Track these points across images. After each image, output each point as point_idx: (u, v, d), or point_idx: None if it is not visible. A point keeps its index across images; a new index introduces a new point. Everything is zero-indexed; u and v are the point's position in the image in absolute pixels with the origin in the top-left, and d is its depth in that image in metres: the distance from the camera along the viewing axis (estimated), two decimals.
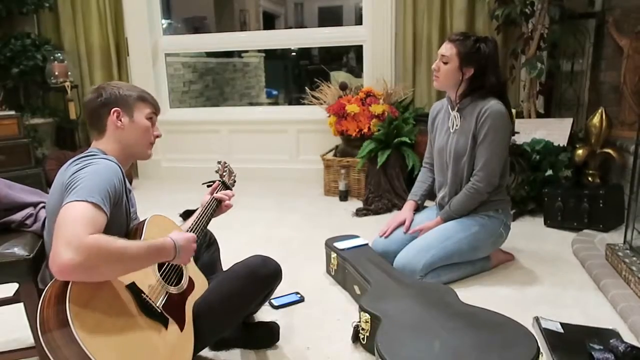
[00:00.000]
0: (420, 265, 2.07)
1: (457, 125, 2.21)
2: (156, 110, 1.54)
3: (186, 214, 2.92)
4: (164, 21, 4.56)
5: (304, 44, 5.06)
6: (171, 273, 1.43)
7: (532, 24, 3.19)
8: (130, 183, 1.45)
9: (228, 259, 1.80)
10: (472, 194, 2.17)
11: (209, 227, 1.71)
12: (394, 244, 2.24)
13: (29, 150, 3.46)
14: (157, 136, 1.54)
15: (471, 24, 3.57)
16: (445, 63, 2.13)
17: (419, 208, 2.41)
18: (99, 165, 1.31)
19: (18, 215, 1.53)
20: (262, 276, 1.57)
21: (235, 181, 1.94)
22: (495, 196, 2.22)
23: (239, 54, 8.17)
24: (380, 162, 3.31)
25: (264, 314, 1.91)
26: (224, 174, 1.89)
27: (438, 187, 2.36)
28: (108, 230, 1.20)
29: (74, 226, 1.11)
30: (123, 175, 1.38)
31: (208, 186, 1.83)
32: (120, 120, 1.44)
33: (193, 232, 1.55)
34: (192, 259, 1.52)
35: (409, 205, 2.40)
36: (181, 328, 1.35)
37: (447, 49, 2.13)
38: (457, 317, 1.62)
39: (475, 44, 2.11)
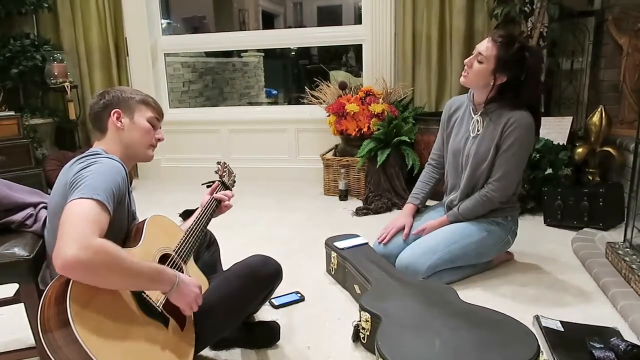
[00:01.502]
0: (425, 267, 2.05)
1: (478, 131, 2.09)
2: (159, 115, 1.56)
3: (186, 214, 2.92)
4: (163, 21, 4.56)
5: (304, 44, 5.06)
6: None
7: (532, 23, 3.19)
8: (130, 183, 1.45)
9: (228, 259, 1.81)
10: (484, 202, 2.11)
11: (209, 227, 1.71)
12: (394, 249, 2.20)
13: (28, 150, 3.47)
14: (159, 139, 1.55)
15: (471, 23, 3.57)
16: (480, 62, 1.97)
17: (419, 210, 2.35)
18: (104, 164, 1.31)
19: (18, 216, 1.53)
20: (262, 276, 1.57)
21: (235, 181, 1.95)
22: (506, 203, 2.16)
23: (238, 53, 8.16)
24: (380, 162, 3.31)
25: (265, 313, 1.91)
26: (224, 174, 1.89)
27: (449, 189, 2.27)
28: (110, 229, 1.20)
29: (81, 223, 1.11)
30: (127, 175, 1.39)
31: (208, 186, 1.83)
32: (121, 121, 1.46)
33: (193, 232, 1.56)
34: (192, 258, 1.52)
35: (408, 209, 2.32)
36: (182, 327, 1.35)
37: (487, 48, 1.95)
38: (458, 315, 1.63)
39: (519, 53, 1.93)
